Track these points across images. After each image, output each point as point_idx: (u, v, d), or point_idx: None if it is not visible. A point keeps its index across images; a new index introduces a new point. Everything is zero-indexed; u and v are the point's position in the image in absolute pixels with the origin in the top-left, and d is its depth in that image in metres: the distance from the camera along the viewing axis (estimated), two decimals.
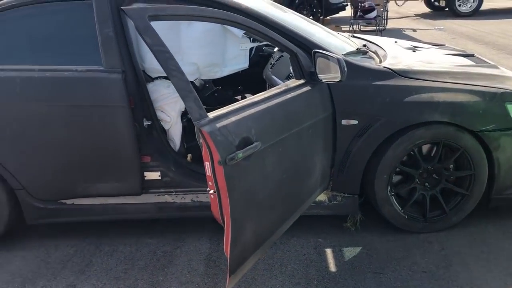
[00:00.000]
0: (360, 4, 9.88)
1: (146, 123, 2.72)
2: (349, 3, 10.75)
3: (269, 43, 3.19)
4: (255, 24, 2.41)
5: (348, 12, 10.99)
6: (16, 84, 2.59)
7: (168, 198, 2.84)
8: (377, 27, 9.75)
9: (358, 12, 9.93)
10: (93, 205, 2.83)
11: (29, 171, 2.74)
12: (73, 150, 2.69)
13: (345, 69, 2.30)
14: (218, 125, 1.89)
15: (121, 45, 2.63)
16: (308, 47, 2.63)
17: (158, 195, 2.85)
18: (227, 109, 2.00)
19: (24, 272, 2.67)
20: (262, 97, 2.21)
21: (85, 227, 3.04)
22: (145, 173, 2.81)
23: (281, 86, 2.44)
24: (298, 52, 2.53)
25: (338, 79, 2.33)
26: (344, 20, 11.30)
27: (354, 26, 10.06)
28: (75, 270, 2.67)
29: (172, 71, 1.83)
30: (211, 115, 1.91)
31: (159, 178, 2.82)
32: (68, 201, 2.83)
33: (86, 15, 2.62)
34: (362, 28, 10.43)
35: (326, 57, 2.40)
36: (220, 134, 1.86)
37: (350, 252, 2.73)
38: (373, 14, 9.66)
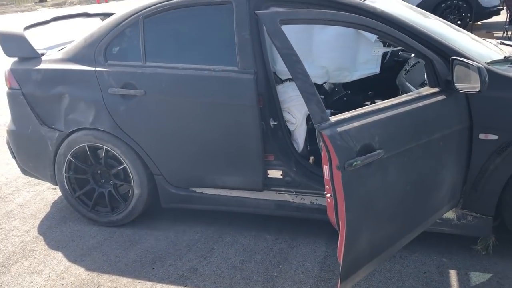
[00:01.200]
0: None
1: (272, 123, 2.81)
2: (504, 7, 9.70)
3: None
4: (388, 28, 2.34)
5: (502, 16, 9.96)
6: (162, 80, 2.88)
7: (287, 197, 2.90)
8: None
9: None
10: (219, 196, 3.02)
11: (167, 159, 3.03)
12: (205, 143, 2.91)
13: (486, 79, 2.12)
14: (339, 129, 1.88)
15: (255, 48, 2.75)
16: (446, 53, 2.47)
17: (279, 193, 2.93)
18: (350, 113, 1.98)
19: (156, 250, 2.96)
20: (390, 103, 2.14)
21: (211, 216, 3.25)
22: (268, 171, 2.91)
23: (413, 93, 2.34)
24: (434, 58, 2.39)
25: (478, 89, 2.16)
26: (497, 26, 10.25)
27: (509, 33, 9.07)
28: (199, 255, 2.87)
29: (298, 74, 1.87)
30: (333, 119, 1.91)
31: (281, 177, 2.90)
32: (198, 190, 3.07)
33: (226, 18, 2.79)
34: None
35: (466, 65, 2.24)
36: (341, 138, 1.85)
37: (477, 277, 2.50)
38: None
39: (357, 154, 1.89)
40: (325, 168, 1.89)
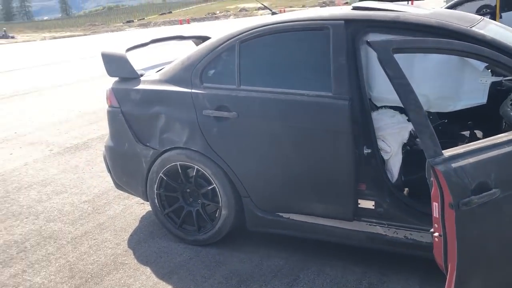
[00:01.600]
0: None
1: (366, 151, 2.72)
2: None
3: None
4: (502, 57, 2.19)
5: None
6: (255, 104, 2.91)
7: (379, 230, 2.78)
8: None
9: None
10: (306, 223, 2.96)
11: (255, 182, 3.02)
12: (295, 168, 2.87)
13: None
14: (454, 165, 1.76)
15: (351, 74, 2.70)
16: None
17: (370, 224, 2.81)
18: (464, 148, 1.86)
19: (241, 273, 2.94)
20: (506, 138, 1.98)
21: (295, 242, 3.19)
22: (359, 201, 2.81)
23: None
24: None
25: None
26: None
27: None
28: (284, 282, 2.81)
29: (411, 105, 1.80)
30: (447, 153, 1.80)
31: (373, 207, 2.79)
32: (285, 215, 3.03)
33: (323, 43, 2.77)
34: None
35: None
36: (455, 175, 1.74)
37: None
38: None
39: (472, 192, 1.76)
40: (435, 205, 1.78)
